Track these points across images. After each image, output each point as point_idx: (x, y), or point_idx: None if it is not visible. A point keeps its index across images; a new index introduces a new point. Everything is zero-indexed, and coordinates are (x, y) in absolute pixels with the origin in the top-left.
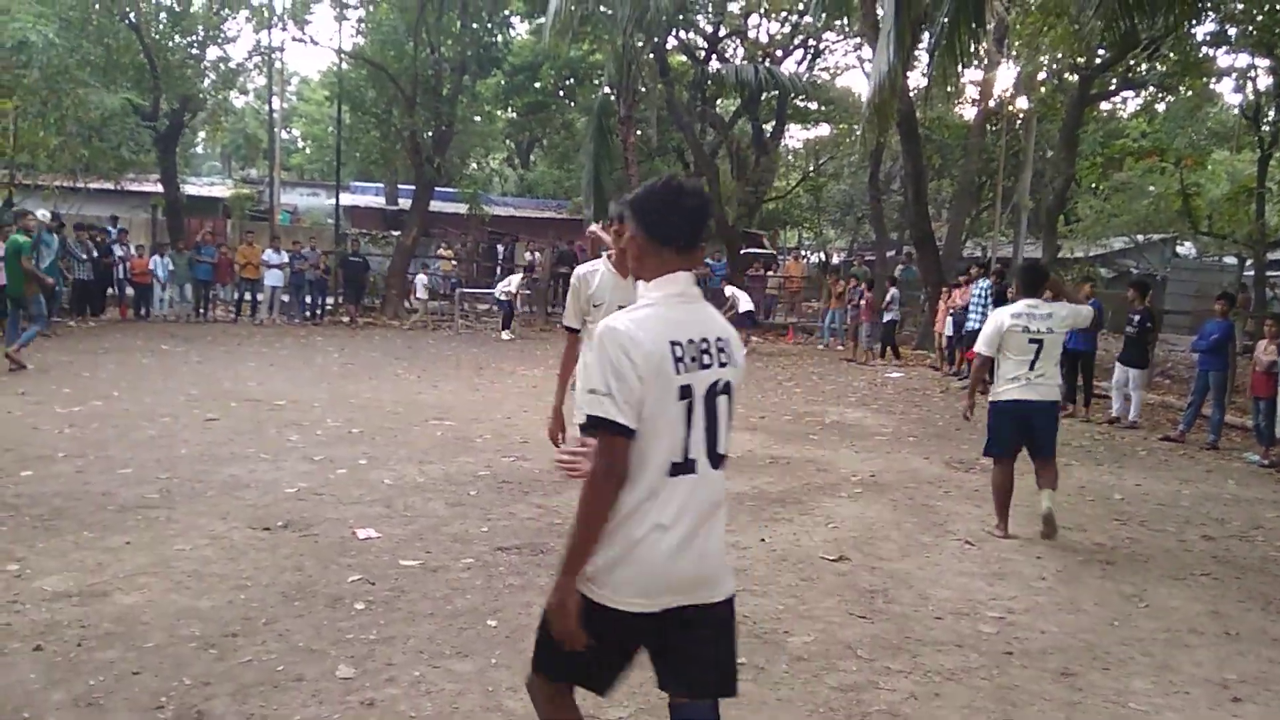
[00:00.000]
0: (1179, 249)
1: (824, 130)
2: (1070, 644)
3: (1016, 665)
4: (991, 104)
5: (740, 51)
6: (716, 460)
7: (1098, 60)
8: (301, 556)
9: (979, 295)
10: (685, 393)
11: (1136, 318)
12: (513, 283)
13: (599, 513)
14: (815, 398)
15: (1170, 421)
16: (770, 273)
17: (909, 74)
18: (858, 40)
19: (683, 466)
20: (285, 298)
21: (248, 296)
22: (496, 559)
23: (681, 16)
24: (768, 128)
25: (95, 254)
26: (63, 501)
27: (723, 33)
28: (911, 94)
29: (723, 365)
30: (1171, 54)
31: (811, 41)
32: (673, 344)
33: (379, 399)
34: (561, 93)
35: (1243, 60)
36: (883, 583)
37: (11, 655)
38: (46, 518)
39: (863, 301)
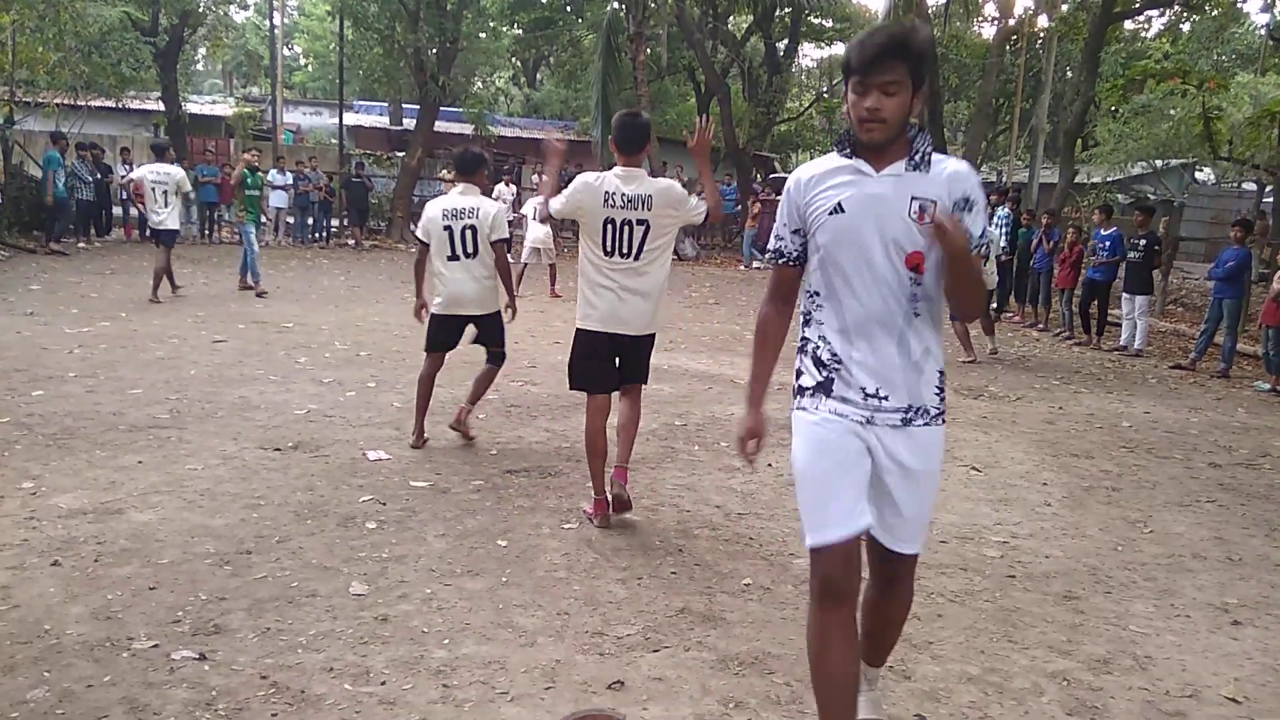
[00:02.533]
0: (1197, 174)
1: (839, 49)
2: (1073, 568)
3: (1019, 588)
4: (1011, 23)
5: None
6: (463, 255)
7: None
8: (313, 477)
9: (998, 223)
10: (447, 229)
11: (1141, 242)
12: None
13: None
14: None
15: (1182, 350)
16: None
17: None
18: None
19: (452, 258)
20: (290, 219)
21: None
22: (506, 481)
23: None
24: (781, 46)
25: (97, 174)
26: (74, 421)
27: None
28: (930, 10)
29: (470, 218)
30: None
31: None
32: (443, 210)
33: (386, 322)
34: (569, 8)
35: None
36: None
37: (31, 570)
38: (59, 437)
39: None
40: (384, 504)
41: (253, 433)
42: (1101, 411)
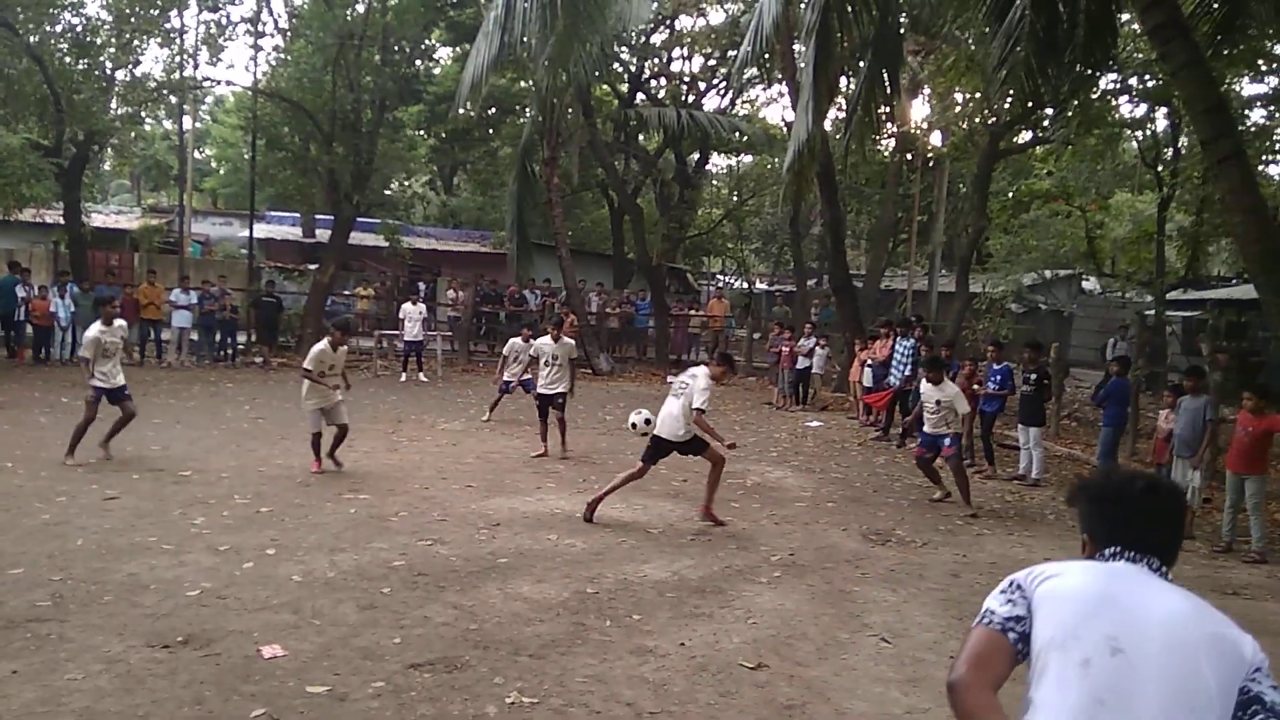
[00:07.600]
0: (1084, 284)
1: (747, 159)
2: None
3: None
4: (907, 154)
5: (664, 82)
6: None
7: (1006, 119)
8: (202, 685)
9: (902, 354)
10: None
11: (1032, 376)
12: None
13: None
14: (737, 452)
15: (1076, 476)
16: (693, 311)
17: (827, 116)
18: (780, 79)
19: None
20: (194, 337)
21: (151, 336)
22: (409, 680)
23: (606, 55)
24: (693, 158)
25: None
26: None
27: (645, 74)
28: (833, 139)
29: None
30: (1075, 109)
31: (733, 77)
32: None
33: (289, 464)
34: (485, 121)
35: (1142, 109)
36: (800, 695)
37: None
38: None
39: (784, 349)
40: (276, 719)
41: (140, 623)
42: (1004, 559)
